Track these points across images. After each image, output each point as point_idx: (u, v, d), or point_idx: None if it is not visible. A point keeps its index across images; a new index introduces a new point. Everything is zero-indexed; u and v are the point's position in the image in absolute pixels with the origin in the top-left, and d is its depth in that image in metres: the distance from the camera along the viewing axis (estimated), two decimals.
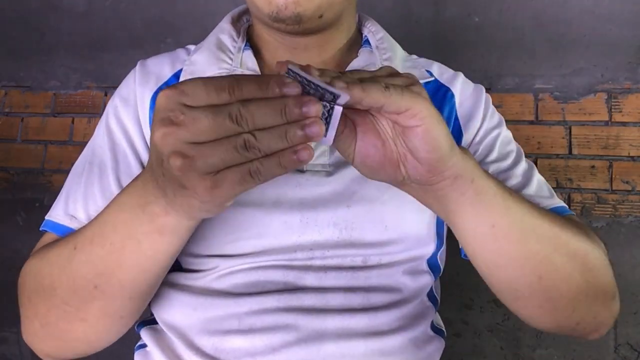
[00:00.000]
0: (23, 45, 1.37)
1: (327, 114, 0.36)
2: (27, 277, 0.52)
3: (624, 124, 1.11)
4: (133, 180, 0.45)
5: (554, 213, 0.54)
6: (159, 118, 0.35)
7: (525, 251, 0.49)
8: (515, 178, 0.59)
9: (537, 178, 0.61)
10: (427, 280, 0.61)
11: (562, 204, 0.60)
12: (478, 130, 0.63)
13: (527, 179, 0.60)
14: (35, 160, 1.33)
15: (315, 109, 0.34)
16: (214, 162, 0.34)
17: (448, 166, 0.42)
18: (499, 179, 0.58)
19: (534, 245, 0.49)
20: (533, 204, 0.51)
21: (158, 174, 0.38)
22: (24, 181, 1.33)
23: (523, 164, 0.62)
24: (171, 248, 0.46)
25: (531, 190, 0.59)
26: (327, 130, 0.36)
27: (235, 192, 0.35)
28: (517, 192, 0.51)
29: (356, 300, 0.55)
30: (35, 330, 0.51)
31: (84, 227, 0.50)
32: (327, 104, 0.36)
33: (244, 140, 0.33)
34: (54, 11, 1.36)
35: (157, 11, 1.31)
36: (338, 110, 0.36)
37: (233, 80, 0.34)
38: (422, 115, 0.38)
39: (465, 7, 1.17)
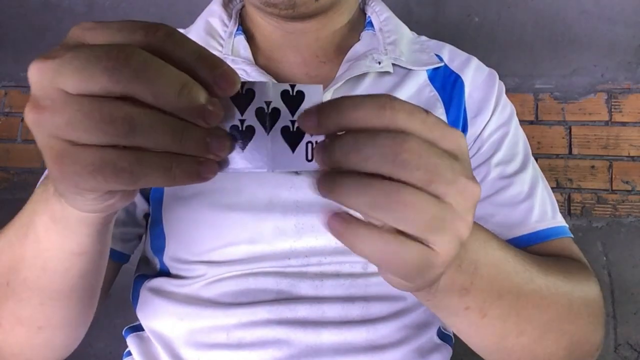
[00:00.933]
0: (23, 45, 1.37)
1: (292, 129, 0.27)
2: None
3: (624, 124, 1.11)
4: None
5: (551, 266, 0.47)
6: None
7: (500, 345, 0.43)
8: (519, 186, 0.55)
9: (542, 190, 0.56)
10: None
11: (562, 223, 0.55)
12: (486, 125, 0.58)
13: (531, 189, 0.55)
14: (35, 160, 1.33)
15: (223, 144, 0.25)
16: (60, 120, 0.23)
17: (419, 293, 0.35)
18: (500, 188, 0.54)
19: (512, 339, 0.43)
20: (530, 275, 0.43)
21: None
22: (24, 181, 1.33)
23: (530, 171, 0.57)
24: (67, 244, 0.36)
25: (533, 203, 0.54)
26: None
27: (85, 183, 0.25)
28: (515, 263, 0.42)
29: (355, 311, 0.51)
30: None
31: None
32: (290, 123, 0.27)
33: (125, 110, 0.23)
34: (54, 11, 1.36)
35: (157, 11, 1.31)
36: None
37: (163, 26, 0.24)
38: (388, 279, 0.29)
39: (465, 7, 1.17)
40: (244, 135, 0.27)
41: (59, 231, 0.35)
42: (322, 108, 0.25)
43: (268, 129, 0.27)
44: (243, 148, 0.27)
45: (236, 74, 0.25)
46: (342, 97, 0.25)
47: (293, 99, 0.27)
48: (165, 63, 0.23)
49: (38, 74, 0.24)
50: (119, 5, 1.33)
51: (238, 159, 0.27)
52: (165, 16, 1.30)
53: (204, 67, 0.24)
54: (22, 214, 0.39)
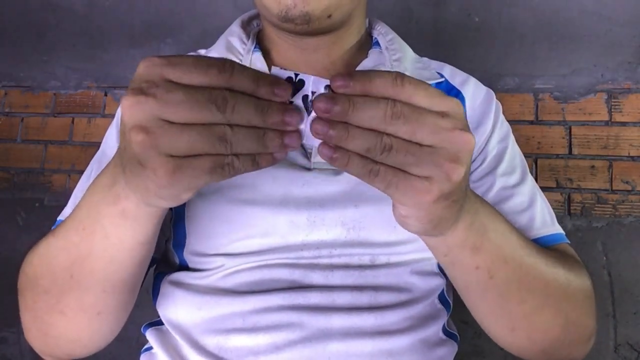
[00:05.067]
0: (23, 45, 1.37)
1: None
2: (21, 270, 0.53)
3: (624, 124, 1.11)
4: (111, 159, 0.42)
5: (550, 252, 0.53)
6: (132, 86, 0.32)
7: (503, 310, 0.49)
8: (520, 196, 0.59)
9: (541, 200, 0.61)
10: (437, 281, 0.60)
11: (560, 230, 0.60)
12: (488, 139, 0.62)
13: (531, 200, 0.60)
14: (35, 160, 1.33)
15: (297, 119, 0.33)
16: (181, 146, 0.31)
17: (433, 240, 0.41)
18: (504, 197, 0.58)
19: (514, 306, 0.48)
20: (531, 251, 0.49)
21: (121, 149, 0.35)
22: (24, 181, 1.33)
23: (529, 183, 0.61)
24: (135, 236, 0.43)
25: (534, 212, 0.59)
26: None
27: (199, 182, 0.33)
28: (518, 237, 0.49)
29: (364, 299, 0.54)
30: (28, 325, 0.51)
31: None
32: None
33: (223, 131, 0.31)
34: (54, 11, 1.36)
35: (157, 11, 1.31)
36: None
37: (227, 62, 0.32)
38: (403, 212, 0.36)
39: (465, 7, 1.17)
40: None
41: (129, 226, 0.41)
42: (354, 74, 0.32)
43: (309, 111, 0.34)
44: None
45: (284, 82, 0.34)
46: (368, 70, 0.33)
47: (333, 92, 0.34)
48: (249, 96, 0.32)
49: (138, 108, 0.31)
50: (119, 6, 1.33)
51: None
52: (166, 17, 1.30)
53: (260, 83, 0.32)
54: (79, 216, 0.45)
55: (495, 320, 0.51)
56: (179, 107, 0.30)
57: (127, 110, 0.31)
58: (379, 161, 0.32)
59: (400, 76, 0.32)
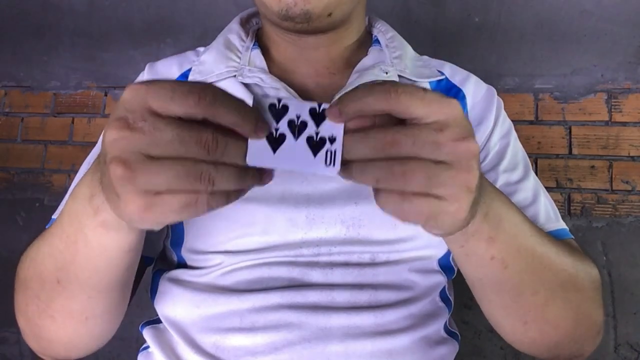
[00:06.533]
0: (23, 45, 1.37)
1: (315, 139, 0.33)
2: (16, 273, 0.52)
3: (624, 124, 1.11)
4: (90, 168, 0.41)
5: (559, 243, 0.52)
6: (116, 115, 0.31)
7: (516, 302, 0.49)
8: (524, 192, 0.59)
9: (544, 196, 0.60)
10: (438, 279, 0.59)
11: (564, 226, 0.59)
12: (490, 136, 0.62)
13: (535, 196, 0.59)
14: (35, 160, 1.33)
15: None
16: (158, 183, 0.30)
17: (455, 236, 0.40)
18: (507, 193, 0.57)
19: (528, 297, 0.48)
20: (542, 240, 0.48)
21: (102, 171, 0.34)
22: (24, 181, 1.33)
23: (532, 179, 0.61)
24: (118, 245, 0.42)
25: (538, 208, 0.58)
26: (332, 159, 0.33)
27: (168, 219, 0.31)
28: (530, 226, 0.48)
29: (363, 297, 0.54)
30: (22, 326, 0.52)
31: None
32: (314, 134, 0.33)
33: (207, 171, 0.30)
34: (54, 11, 1.36)
35: (157, 11, 1.31)
36: (339, 136, 0.33)
37: (208, 88, 0.31)
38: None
39: (465, 7, 1.17)
40: (277, 141, 0.33)
41: (112, 236, 0.40)
42: (341, 99, 0.32)
43: (296, 137, 0.33)
44: (274, 150, 0.33)
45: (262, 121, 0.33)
46: (354, 88, 0.32)
47: (318, 115, 0.33)
48: (235, 138, 0.31)
49: (123, 142, 0.30)
50: (119, 5, 1.33)
51: (270, 159, 0.33)
52: (166, 16, 1.30)
53: (246, 120, 0.31)
54: (61, 223, 0.44)
55: (508, 313, 0.50)
56: (167, 145, 0.29)
57: (110, 142, 0.30)
58: (408, 190, 0.31)
59: (393, 86, 0.31)
